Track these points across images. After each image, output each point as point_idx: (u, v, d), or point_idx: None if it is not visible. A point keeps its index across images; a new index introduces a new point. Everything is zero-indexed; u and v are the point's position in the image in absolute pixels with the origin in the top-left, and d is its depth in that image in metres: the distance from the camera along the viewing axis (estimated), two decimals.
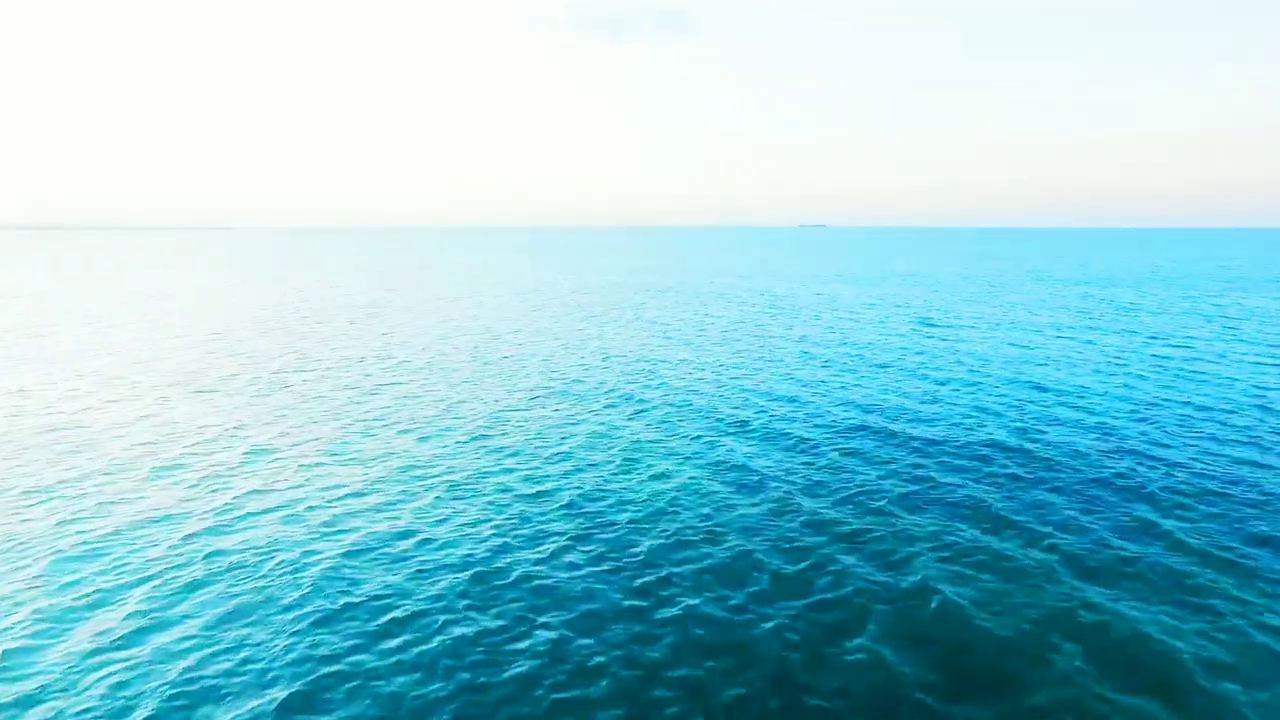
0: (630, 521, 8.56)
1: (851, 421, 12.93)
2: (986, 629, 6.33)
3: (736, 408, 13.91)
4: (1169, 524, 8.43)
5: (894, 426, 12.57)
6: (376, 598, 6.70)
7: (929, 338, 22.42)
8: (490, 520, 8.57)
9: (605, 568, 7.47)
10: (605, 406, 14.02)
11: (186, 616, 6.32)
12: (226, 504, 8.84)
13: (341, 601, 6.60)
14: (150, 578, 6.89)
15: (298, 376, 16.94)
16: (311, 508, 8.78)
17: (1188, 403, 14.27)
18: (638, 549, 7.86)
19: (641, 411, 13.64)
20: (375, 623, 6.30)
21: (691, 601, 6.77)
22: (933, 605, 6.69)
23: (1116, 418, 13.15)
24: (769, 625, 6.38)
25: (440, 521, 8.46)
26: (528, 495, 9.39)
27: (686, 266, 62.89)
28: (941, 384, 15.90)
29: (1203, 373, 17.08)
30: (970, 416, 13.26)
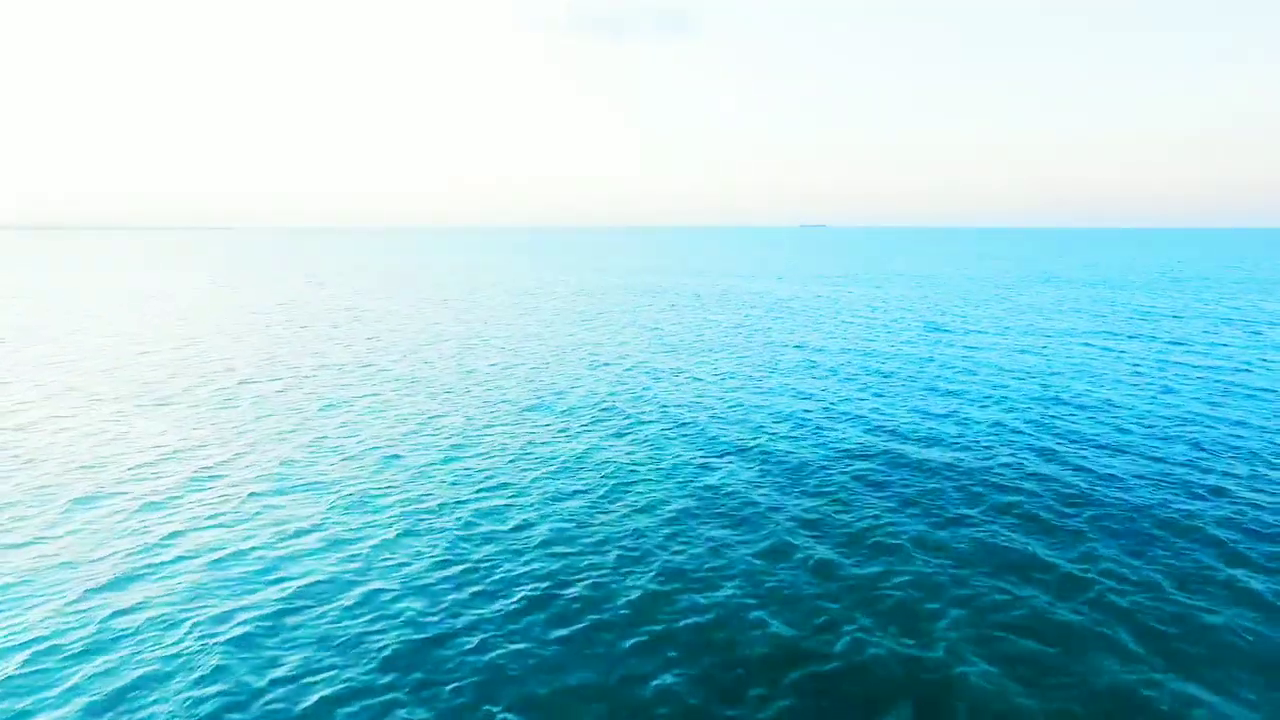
0: (614, 566, 7.48)
1: (860, 441, 11.85)
2: (1033, 713, 5.26)
3: (735, 424, 12.83)
4: (1233, 571, 7.34)
5: (907, 449, 11.48)
6: (305, 673, 5.62)
7: (940, 344, 21.34)
8: (455, 563, 7.50)
9: (584, 625, 6.40)
10: (594, 422, 12.94)
11: (66, 696, 5.24)
12: (151, 544, 7.75)
13: (260, 679, 5.51)
14: (34, 642, 5.81)
15: (270, 386, 15.87)
16: (250, 549, 7.71)
17: (1224, 419, 13.18)
18: (620, 602, 6.78)
19: (632, 429, 12.56)
20: (299, 706, 5.22)
21: (682, 674, 5.70)
22: (967, 680, 5.61)
23: (1151, 437, 12.07)
24: (774, 708, 5.31)
25: (396, 567, 7.38)
26: (501, 532, 8.31)
27: (686, 267, 61.81)
28: (956, 397, 14.81)
29: (1235, 384, 15.99)
30: (991, 435, 12.17)
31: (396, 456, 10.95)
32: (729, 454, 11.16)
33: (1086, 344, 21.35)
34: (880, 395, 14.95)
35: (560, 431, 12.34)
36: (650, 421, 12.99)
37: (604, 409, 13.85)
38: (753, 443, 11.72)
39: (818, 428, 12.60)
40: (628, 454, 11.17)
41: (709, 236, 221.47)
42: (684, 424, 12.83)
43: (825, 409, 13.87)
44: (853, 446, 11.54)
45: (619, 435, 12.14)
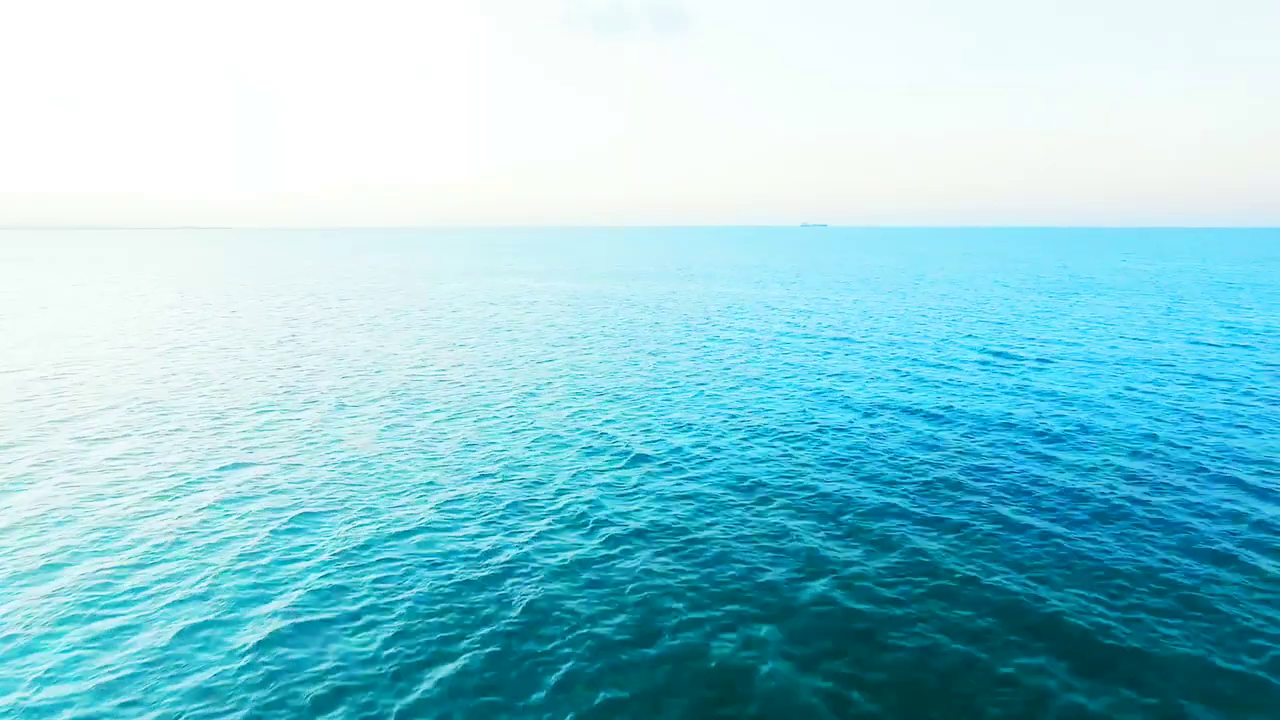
0: None
1: (947, 568, 6.85)
2: None
3: (750, 534, 7.82)
4: None
5: (1018, 623, 6.49)
6: None
7: (1016, 390, 16.26)
8: None
9: None
10: (569, 478, 7.95)
11: None
12: None
13: None
14: None
15: (138, 417, 11.01)
16: None
17: None
18: None
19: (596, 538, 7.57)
20: None
21: None
22: None
23: None
24: None
25: None
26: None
27: (689, 271, 56.89)
28: (1074, 502, 9.79)
29: None
30: (1150, 564, 7.17)
31: (218, 545, 6.03)
32: (742, 619, 6.17)
33: (1212, 378, 16.30)
34: (967, 484, 9.95)
35: (494, 524, 7.37)
36: (640, 506, 8.01)
37: (572, 488, 8.86)
38: (771, 578, 6.73)
39: (887, 561, 7.58)
40: (586, 552, 6.22)
41: (710, 236, 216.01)
42: (675, 527, 7.84)
43: (890, 510, 8.86)
44: (924, 580, 6.52)
45: (584, 528, 7.17)
